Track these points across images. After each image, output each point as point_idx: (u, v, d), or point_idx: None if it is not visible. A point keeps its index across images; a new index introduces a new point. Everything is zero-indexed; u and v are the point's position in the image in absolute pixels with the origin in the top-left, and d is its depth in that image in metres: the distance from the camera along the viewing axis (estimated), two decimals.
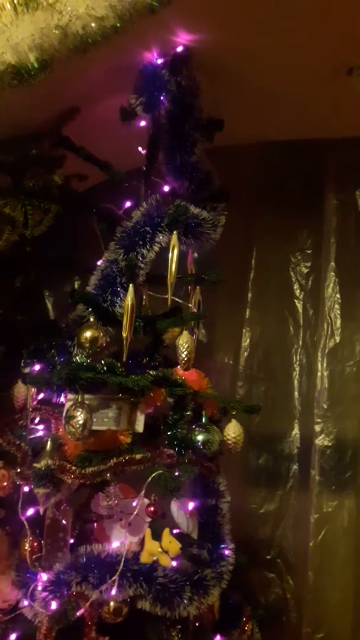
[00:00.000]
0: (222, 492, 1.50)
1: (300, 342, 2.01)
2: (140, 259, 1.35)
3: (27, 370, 1.42)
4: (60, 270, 1.85)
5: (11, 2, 0.99)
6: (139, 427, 1.34)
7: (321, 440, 1.87)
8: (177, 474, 1.30)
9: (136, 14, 0.99)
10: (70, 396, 1.33)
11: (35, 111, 1.44)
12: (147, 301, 1.56)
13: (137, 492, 1.36)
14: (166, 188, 1.49)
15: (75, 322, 1.42)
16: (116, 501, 1.36)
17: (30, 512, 1.38)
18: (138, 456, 1.30)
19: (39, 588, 1.30)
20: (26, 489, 1.37)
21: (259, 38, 1.35)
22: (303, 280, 2.02)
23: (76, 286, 1.52)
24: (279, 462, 1.97)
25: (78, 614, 1.31)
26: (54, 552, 1.38)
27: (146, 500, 1.35)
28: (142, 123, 1.48)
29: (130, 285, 1.33)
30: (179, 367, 1.42)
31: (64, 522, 1.40)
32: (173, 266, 1.33)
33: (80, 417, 1.25)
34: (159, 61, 1.39)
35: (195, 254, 1.58)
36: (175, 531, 1.42)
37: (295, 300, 2.02)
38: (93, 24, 0.99)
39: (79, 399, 1.27)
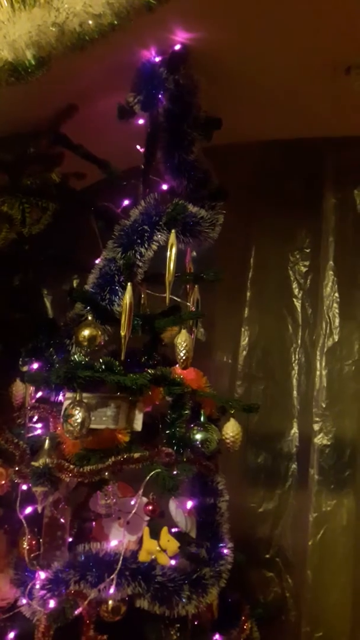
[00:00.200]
0: (220, 491, 1.50)
1: (299, 341, 2.01)
2: (139, 257, 1.35)
3: (25, 368, 1.41)
4: (59, 268, 1.85)
5: None
6: (138, 425, 1.34)
7: (320, 439, 1.87)
8: (175, 472, 1.30)
9: (133, 11, 0.99)
10: (68, 395, 1.33)
11: (32, 109, 1.44)
12: (146, 300, 1.56)
13: (136, 491, 1.36)
14: (164, 186, 1.48)
15: (74, 321, 1.41)
16: (114, 500, 1.36)
17: (29, 510, 1.38)
18: (136, 455, 1.30)
19: (37, 586, 1.29)
20: (24, 487, 1.37)
21: (257, 36, 1.35)
22: (302, 279, 2.03)
23: (74, 285, 1.52)
24: (277, 461, 1.97)
25: (76, 612, 1.31)
26: (52, 550, 1.38)
27: (144, 499, 1.35)
28: (140, 121, 1.48)
29: (129, 283, 1.33)
30: (177, 365, 1.42)
31: (62, 520, 1.39)
32: (171, 265, 1.33)
33: (78, 415, 1.25)
34: (157, 59, 1.39)
35: (194, 253, 1.58)
36: (173, 530, 1.41)
37: (294, 299, 2.02)
38: (90, 22, 0.98)
39: (77, 398, 1.27)
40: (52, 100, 1.47)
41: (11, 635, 1.40)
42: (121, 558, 1.28)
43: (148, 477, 1.29)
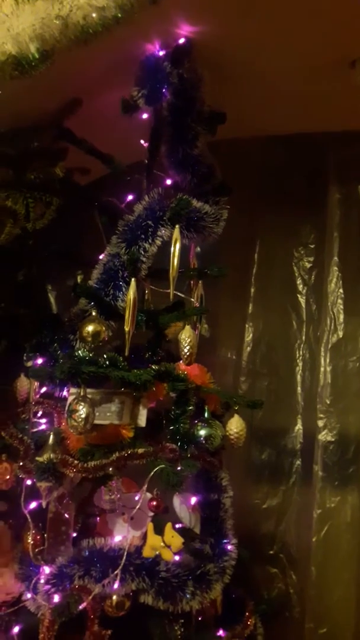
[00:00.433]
0: (224, 487, 1.50)
1: (303, 337, 2.00)
2: (143, 252, 1.35)
3: (29, 364, 1.42)
4: (63, 263, 1.85)
5: None
6: (142, 421, 1.34)
7: (324, 436, 1.86)
8: (179, 468, 1.30)
9: (137, 4, 0.99)
10: (72, 390, 1.33)
11: (36, 103, 1.43)
12: (150, 295, 1.55)
13: (140, 487, 1.35)
14: (168, 181, 1.48)
15: (78, 316, 1.42)
16: (119, 495, 1.36)
17: (33, 505, 1.38)
18: (140, 450, 1.30)
19: (42, 581, 1.30)
20: (29, 482, 1.37)
21: (262, 30, 1.34)
22: (306, 275, 2.02)
23: (79, 280, 1.51)
24: (281, 457, 1.96)
25: (80, 607, 1.31)
26: (57, 545, 1.38)
27: (149, 495, 1.35)
28: (144, 116, 1.47)
29: (133, 279, 1.32)
30: (181, 361, 1.42)
31: (66, 515, 1.40)
32: (175, 260, 1.33)
33: (82, 411, 1.25)
34: (161, 53, 1.38)
35: (198, 248, 1.58)
36: (177, 526, 1.41)
37: (298, 295, 2.01)
38: (94, 14, 0.98)
39: (82, 393, 1.27)
40: (55, 94, 1.47)
41: (16, 629, 1.41)
42: (125, 553, 1.28)
43: (152, 473, 1.29)
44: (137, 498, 1.35)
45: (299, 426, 1.96)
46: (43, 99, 1.44)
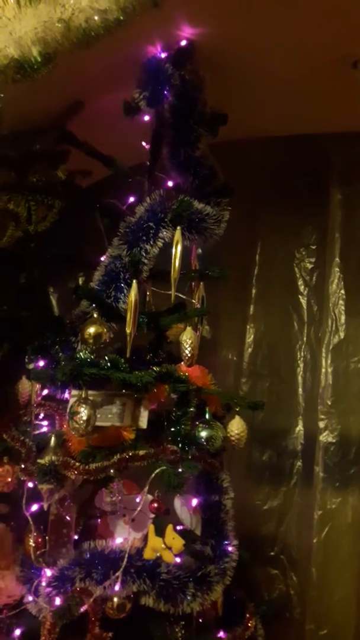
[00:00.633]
0: (225, 489, 1.50)
1: (305, 339, 2.00)
2: (144, 254, 1.35)
3: (31, 366, 1.41)
4: (64, 266, 1.85)
5: None
6: (143, 423, 1.34)
7: (325, 437, 1.86)
8: (180, 470, 1.30)
9: (139, 6, 0.99)
10: (74, 392, 1.33)
11: (38, 106, 1.43)
12: (151, 297, 1.55)
13: (141, 488, 1.36)
14: (170, 183, 1.48)
15: (79, 318, 1.41)
16: (120, 497, 1.36)
17: (35, 507, 1.38)
18: (141, 452, 1.30)
19: (43, 584, 1.30)
20: (30, 484, 1.37)
21: (264, 32, 1.34)
22: (307, 276, 2.02)
23: (80, 282, 1.51)
24: (282, 458, 1.96)
25: (82, 609, 1.31)
26: (58, 547, 1.38)
27: (150, 497, 1.35)
28: (146, 118, 1.47)
29: (134, 281, 1.32)
30: (182, 363, 1.42)
31: (67, 518, 1.40)
32: (177, 262, 1.32)
33: (84, 413, 1.25)
34: (163, 55, 1.38)
35: (199, 250, 1.57)
36: (178, 527, 1.42)
37: (300, 296, 2.01)
38: (96, 17, 0.98)
39: (83, 395, 1.27)
40: (57, 97, 1.47)
41: (17, 632, 1.41)
42: (126, 555, 1.28)
43: (153, 475, 1.29)
44: (138, 500, 1.35)
45: (300, 427, 1.96)
46: (45, 102, 1.44)
